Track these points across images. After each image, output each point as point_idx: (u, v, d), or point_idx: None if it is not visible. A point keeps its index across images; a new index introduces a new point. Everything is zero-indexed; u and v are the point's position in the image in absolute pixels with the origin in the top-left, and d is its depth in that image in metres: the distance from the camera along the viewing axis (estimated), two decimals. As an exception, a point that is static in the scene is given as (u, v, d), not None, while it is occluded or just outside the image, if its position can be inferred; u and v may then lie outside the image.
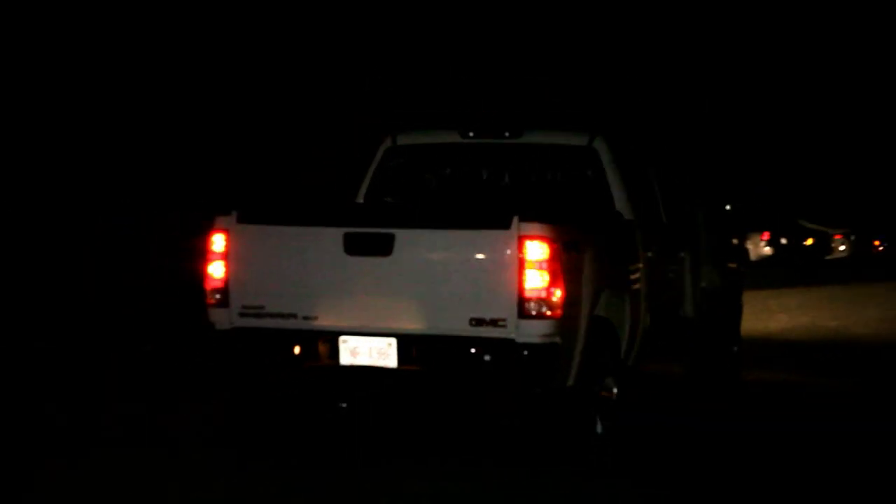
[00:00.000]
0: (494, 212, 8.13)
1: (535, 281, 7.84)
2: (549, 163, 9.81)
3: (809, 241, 44.56)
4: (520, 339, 7.87)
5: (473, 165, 10.03)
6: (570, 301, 8.04)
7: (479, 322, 7.93)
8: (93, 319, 15.42)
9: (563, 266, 7.94)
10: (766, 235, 40.49)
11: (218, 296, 8.43)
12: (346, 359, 8.19)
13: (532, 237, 7.83)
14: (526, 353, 7.86)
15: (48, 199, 18.07)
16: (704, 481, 8.35)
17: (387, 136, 10.07)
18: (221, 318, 8.43)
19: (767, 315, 18.22)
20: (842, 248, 47.47)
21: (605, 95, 27.51)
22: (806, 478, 8.49)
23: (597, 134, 9.57)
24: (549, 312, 7.86)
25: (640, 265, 9.37)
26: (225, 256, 8.40)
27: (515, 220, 7.84)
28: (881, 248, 55.84)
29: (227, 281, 8.40)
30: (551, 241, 7.86)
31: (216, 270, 8.43)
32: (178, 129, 20.28)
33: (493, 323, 7.90)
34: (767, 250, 39.83)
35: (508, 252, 7.85)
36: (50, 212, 17.88)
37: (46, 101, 18.64)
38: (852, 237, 49.14)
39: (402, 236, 8.08)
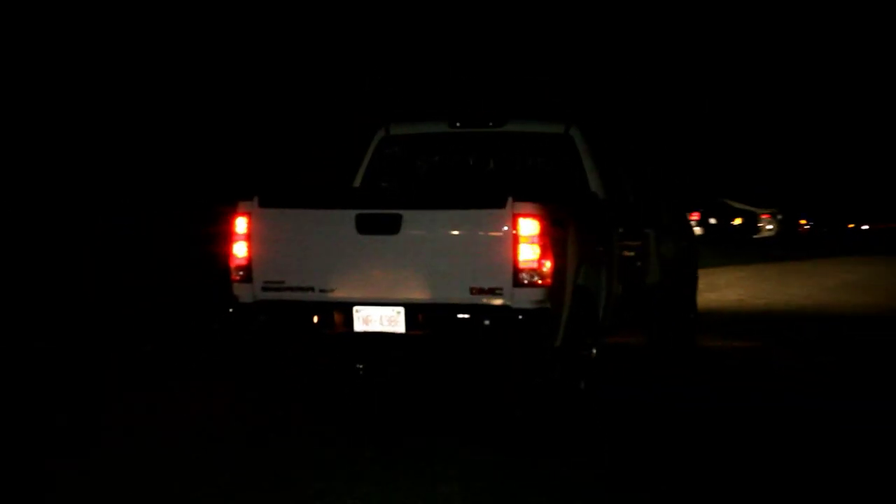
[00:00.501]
0: (491, 193, 9.08)
1: (528, 254, 8.83)
2: (529, 149, 10.85)
3: (738, 221, 45.79)
4: (515, 305, 8.86)
5: (461, 153, 11.07)
6: (558, 271, 9.06)
7: (478, 291, 8.92)
8: (93, 319, 15.35)
9: (552, 240, 8.94)
10: (696, 215, 41.59)
11: (242, 272, 9.37)
12: (359, 326, 9.17)
13: (525, 215, 8.83)
14: (520, 317, 8.86)
15: (48, 199, 18.11)
16: (679, 455, 8.66)
17: (380, 126, 11.09)
18: (245, 293, 9.39)
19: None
20: (769, 227, 48.75)
21: (605, 96, 28.11)
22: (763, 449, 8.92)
23: (572, 123, 10.65)
24: (540, 281, 8.87)
25: (613, 240, 10.47)
26: (248, 237, 9.33)
27: (510, 200, 8.83)
28: (807, 228, 57.55)
29: (249, 259, 9.34)
30: (541, 218, 8.85)
31: (240, 250, 9.37)
32: (179, 130, 20.50)
33: (491, 291, 8.90)
34: (697, 230, 40.87)
35: (504, 228, 8.84)
36: (50, 212, 17.87)
37: (46, 101, 18.81)
38: (779, 217, 50.44)
39: (409, 216, 9.05)
